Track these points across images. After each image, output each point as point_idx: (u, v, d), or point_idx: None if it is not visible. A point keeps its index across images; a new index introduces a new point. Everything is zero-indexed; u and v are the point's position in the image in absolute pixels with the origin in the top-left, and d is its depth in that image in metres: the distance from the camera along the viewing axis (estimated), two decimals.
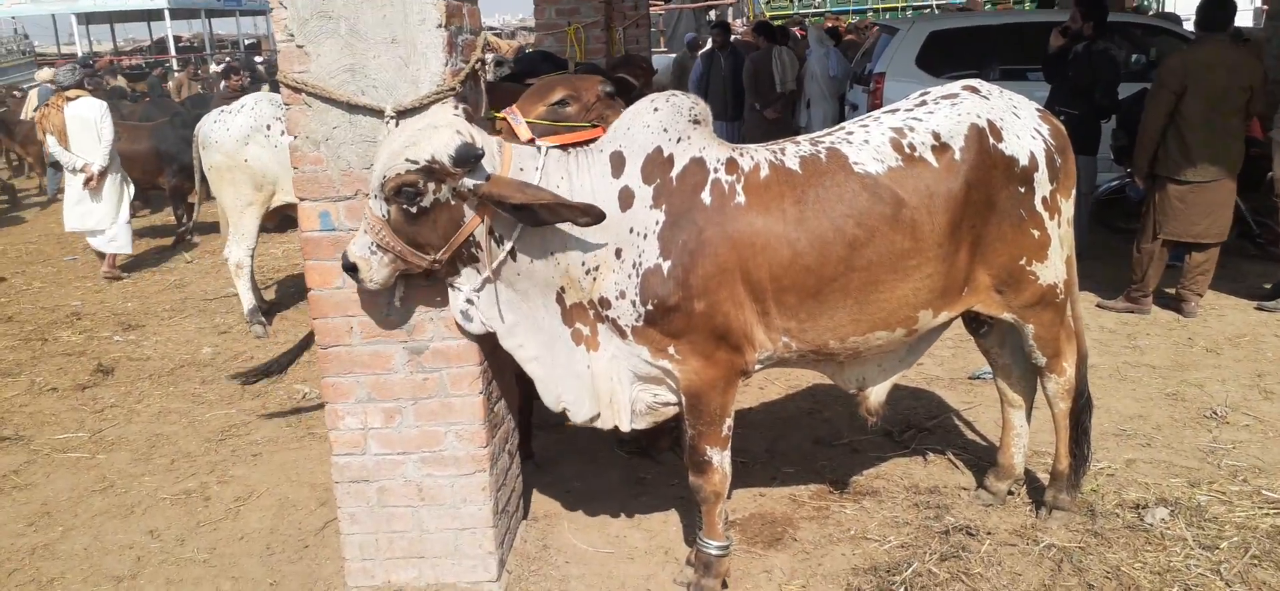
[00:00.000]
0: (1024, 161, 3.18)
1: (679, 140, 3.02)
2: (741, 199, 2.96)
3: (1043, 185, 3.22)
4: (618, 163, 3.01)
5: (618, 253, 2.97)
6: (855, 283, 3.03)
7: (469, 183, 2.83)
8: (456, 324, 3.11)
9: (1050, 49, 7.56)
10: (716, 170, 2.99)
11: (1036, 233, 3.23)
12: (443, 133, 2.80)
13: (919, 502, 3.90)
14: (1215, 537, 3.44)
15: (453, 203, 2.86)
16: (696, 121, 3.08)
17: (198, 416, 5.37)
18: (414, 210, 2.83)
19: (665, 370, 3.06)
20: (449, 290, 3.08)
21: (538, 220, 2.86)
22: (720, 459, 3.16)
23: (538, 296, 3.05)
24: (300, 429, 5.10)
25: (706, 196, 2.95)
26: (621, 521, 3.89)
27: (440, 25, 2.96)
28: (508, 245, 2.94)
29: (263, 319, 7.14)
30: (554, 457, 4.51)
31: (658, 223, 2.94)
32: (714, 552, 3.26)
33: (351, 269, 2.94)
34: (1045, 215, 3.24)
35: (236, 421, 5.25)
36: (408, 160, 2.77)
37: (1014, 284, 3.28)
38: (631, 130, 3.05)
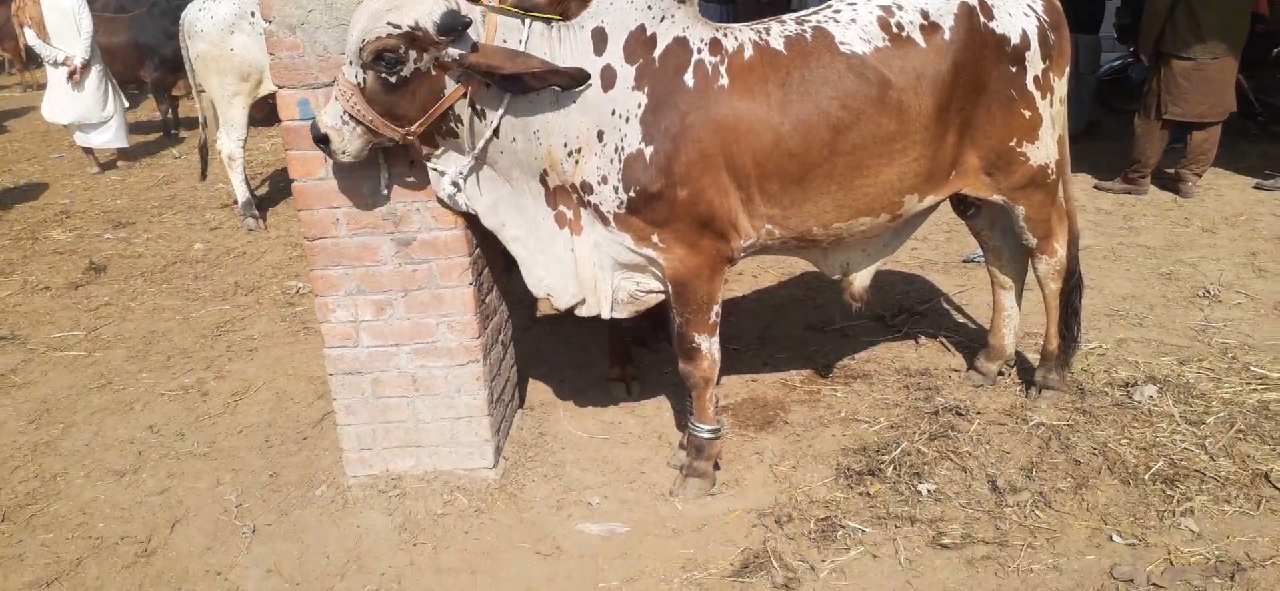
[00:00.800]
0: (1015, 40, 3.10)
1: (662, 19, 2.89)
2: (725, 82, 2.86)
3: (1034, 63, 3.15)
4: (599, 39, 2.86)
5: (599, 135, 2.87)
6: (840, 167, 2.97)
7: (454, 52, 2.70)
8: (440, 202, 3.04)
9: None
10: (700, 51, 2.88)
11: (1027, 113, 3.17)
12: (432, 2, 2.68)
13: (909, 384, 3.93)
14: (1202, 413, 3.47)
15: (433, 73, 2.73)
16: (681, 0, 2.96)
17: (192, 313, 5.38)
18: (393, 79, 2.70)
19: (649, 258, 3.01)
20: (430, 170, 3.00)
21: (526, 89, 2.75)
22: (708, 345, 3.15)
23: (520, 177, 2.97)
24: (294, 324, 5.11)
25: (690, 79, 2.85)
26: (616, 409, 3.92)
27: None
28: (492, 121, 2.83)
29: (256, 212, 7.11)
30: (548, 348, 4.53)
31: (640, 106, 2.84)
32: (705, 436, 3.27)
33: (322, 140, 2.81)
34: (1036, 95, 3.17)
35: (231, 317, 5.26)
36: (390, 24, 2.63)
37: (1004, 166, 3.23)
38: (614, 5, 2.89)
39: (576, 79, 2.74)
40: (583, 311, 3.18)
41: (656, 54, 2.86)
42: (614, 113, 2.85)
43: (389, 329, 3.25)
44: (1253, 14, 6.23)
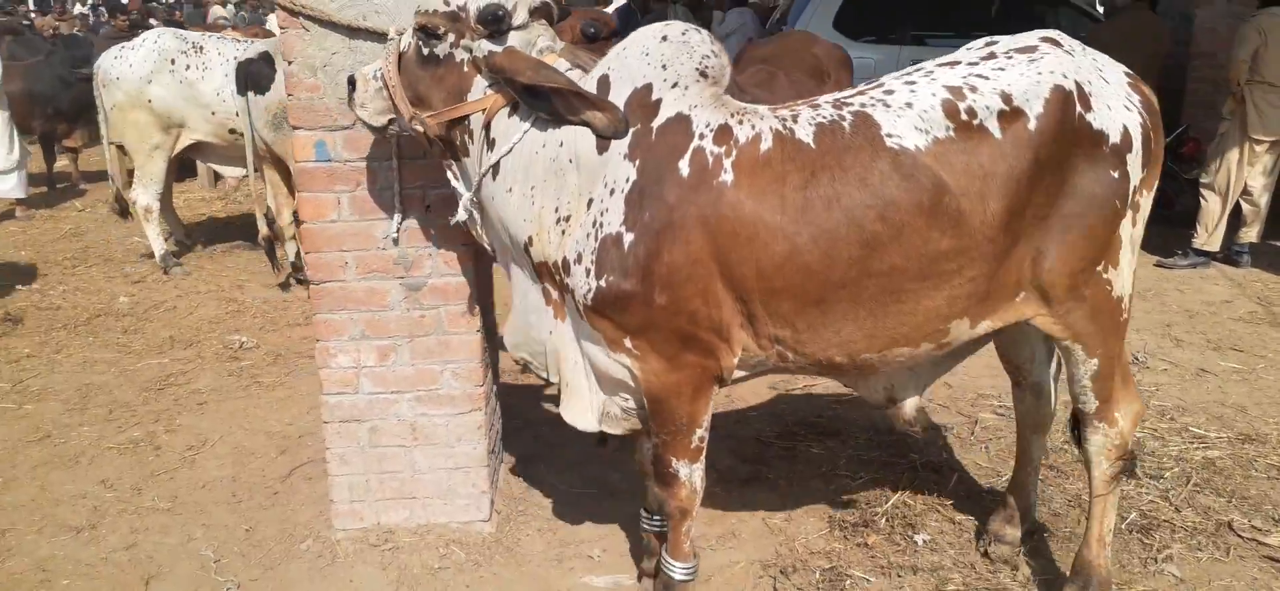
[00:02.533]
0: (1115, 138, 2.51)
1: (674, 85, 2.48)
2: (728, 176, 2.40)
3: (1136, 169, 2.56)
4: (603, 89, 2.52)
5: (589, 203, 2.49)
6: (870, 290, 2.46)
7: (485, 46, 2.53)
8: (463, 221, 2.77)
9: (993, 14, 8.10)
10: (702, 137, 2.43)
11: (1121, 229, 2.59)
12: None
13: (880, 442, 4.06)
14: (1157, 469, 3.72)
15: (465, 68, 2.57)
16: (704, 73, 2.51)
17: (128, 366, 5.11)
18: (427, 52, 2.57)
19: (624, 366, 2.60)
20: (455, 192, 2.74)
21: (548, 107, 2.47)
22: (688, 472, 2.71)
23: (508, 239, 2.67)
24: (244, 379, 4.92)
25: (684, 166, 2.41)
26: (599, 464, 3.92)
27: None
28: (497, 155, 2.56)
29: (178, 262, 6.88)
30: (519, 403, 4.50)
31: (627, 180, 2.43)
32: (678, 576, 2.86)
33: (351, 83, 2.70)
34: (1133, 207, 2.60)
35: (172, 371, 5.03)
36: (444, 1, 2.55)
37: (1086, 295, 2.59)
38: (627, 54, 2.54)
39: (613, 120, 2.42)
40: (565, 410, 2.80)
41: (655, 124, 2.45)
42: (604, 181, 2.47)
43: (392, 375, 3.20)
44: None
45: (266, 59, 5.96)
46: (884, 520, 3.39)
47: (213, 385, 4.84)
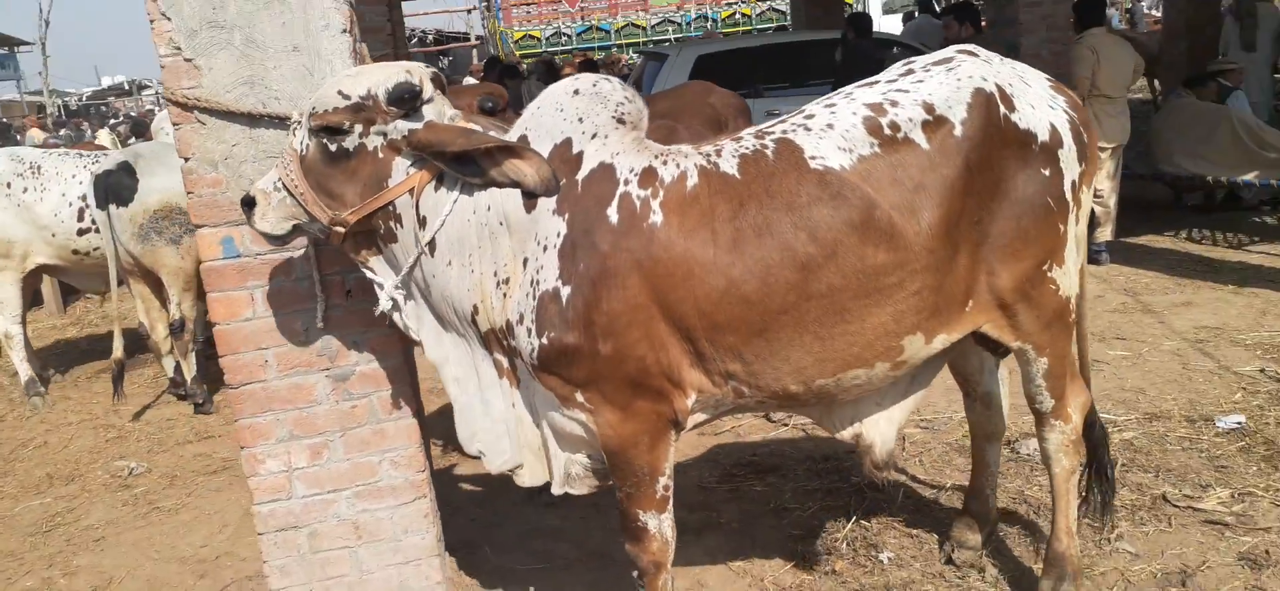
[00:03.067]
0: (1043, 136, 2.57)
1: (593, 136, 2.47)
2: (657, 217, 2.39)
3: (1071, 165, 2.61)
4: None
5: (524, 262, 2.46)
6: (812, 313, 2.44)
7: (403, 127, 2.43)
8: (387, 318, 2.66)
9: (838, 60, 8.44)
10: (627, 182, 2.42)
11: (1062, 227, 2.61)
12: (388, 70, 2.47)
13: (820, 470, 4.08)
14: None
15: (381, 154, 2.45)
16: (621, 120, 2.51)
17: (4, 512, 4.66)
18: (334, 148, 2.43)
19: (579, 422, 2.54)
20: (373, 283, 2.63)
21: (480, 176, 2.40)
22: (657, 524, 2.63)
23: (452, 316, 2.58)
24: (142, 506, 4.56)
25: (613, 213, 2.40)
26: (542, 537, 3.79)
27: (345, 30, 2.81)
28: (431, 231, 2.47)
29: (41, 390, 6.38)
30: (446, 492, 4.32)
31: (559, 234, 2.41)
32: None
33: (248, 203, 2.54)
34: (1072, 204, 2.63)
35: (57, 510, 4.61)
36: (340, 94, 2.41)
37: (1031, 295, 2.62)
38: (541, 112, 2.54)
39: (542, 175, 2.36)
40: (522, 479, 2.73)
41: (580, 176, 2.44)
42: (536, 238, 2.44)
43: (326, 474, 3.01)
44: None
45: (126, 169, 5.62)
46: (845, 544, 3.39)
47: (107, 518, 4.46)
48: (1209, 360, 4.84)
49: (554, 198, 2.43)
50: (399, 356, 3.00)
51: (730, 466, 4.24)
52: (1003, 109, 2.53)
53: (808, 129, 2.52)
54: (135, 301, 6.12)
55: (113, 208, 5.59)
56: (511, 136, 2.51)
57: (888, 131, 2.48)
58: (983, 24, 8.21)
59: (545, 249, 2.42)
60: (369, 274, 2.64)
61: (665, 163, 2.48)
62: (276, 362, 2.92)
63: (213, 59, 2.74)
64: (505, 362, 2.59)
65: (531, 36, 22.66)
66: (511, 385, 2.62)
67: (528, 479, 2.73)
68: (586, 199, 2.42)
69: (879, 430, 2.77)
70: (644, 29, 22.58)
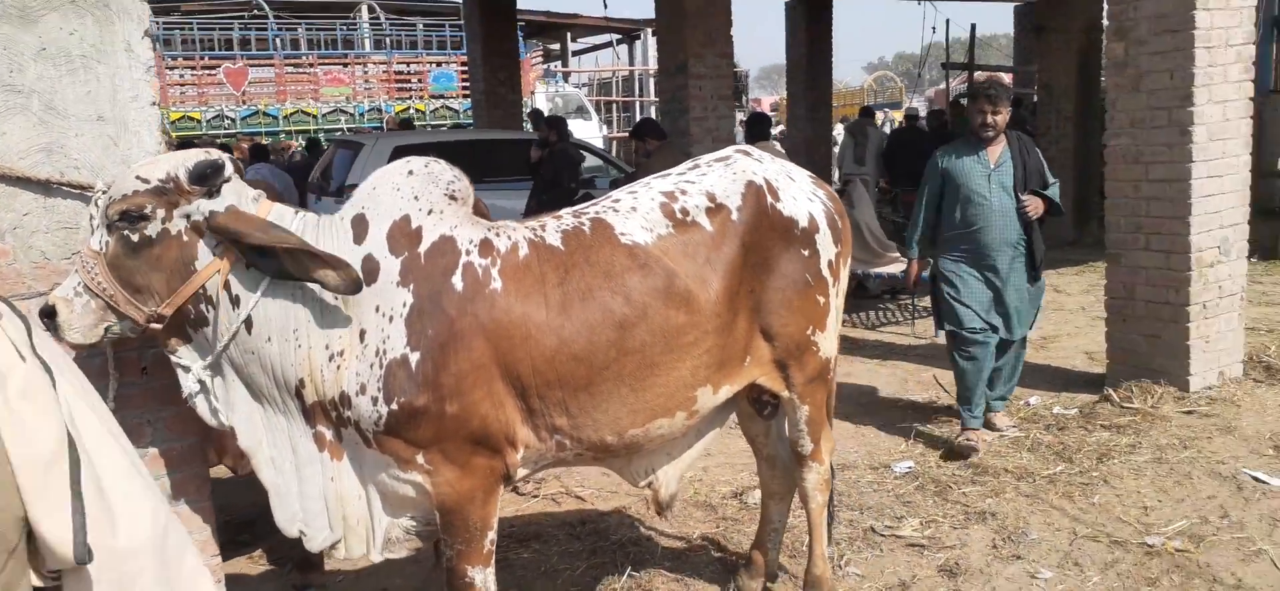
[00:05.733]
0: (804, 223, 3.07)
1: (429, 212, 2.69)
2: (497, 284, 2.66)
3: (826, 248, 3.12)
4: (360, 227, 2.65)
5: (361, 334, 2.59)
6: (629, 367, 2.79)
7: (205, 207, 2.48)
8: (192, 406, 2.66)
9: (532, 160, 9.09)
10: (469, 251, 2.67)
11: (821, 299, 3.11)
12: (185, 153, 2.52)
13: (579, 533, 4.39)
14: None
15: (185, 238, 2.49)
16: (453, 197, 2.76)
17: None
18: (136, 238, 2.44)
19: (415, 484, 2.68)
20: (176, 368, 2.62)
21: (281, 271, 2.50)
22: (484, 578, 2.80)
23: (272, 390, 2.62)
24: None
25: (458, 281, 2.62)
26: None
27: (154, 103, 2.81)
28: (245, 310, 2.52)
29: None
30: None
31: (405, 305, 2.59)
32: None
33: (50, 313, 2.43)
34: (830, 279, 3.14)
35: None
36: (139, 179, 2.44)
37: (798, 356, 3.11)
38: (377, 191, 2.72)
39: (341, 271, 2.48)
40: (339, 553, 2.77)
41: (423, 249, 2.64)
42: (377, 309, 2.59)
43: None
44: None
45: None
46: None
47: None
48: (875, 418, 5.83)
49: (397, 270, 2.61)
50: (195, 435, 2.92)
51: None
52: (770, 199, 3.04)
53: (616, 210, 2.93)
54: None
55: None
56: (347, 213, 2.71)
57: (679, 215, 2.93)
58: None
59: (391, 319, 2.59)
60: (174, 359, 2.62)
61: (498, 234, 2.77)
62: None
63: (6, 123, 2.59)
64: (328, 434, 2.67)
65: (191, 118, 21.22)
66: (333, 457, 2.69)
67: (344, 552, 2.78)
68: (431, 269, 2.62)
69: (668, 476, 3.18)
70: (314, 117, 22.01)
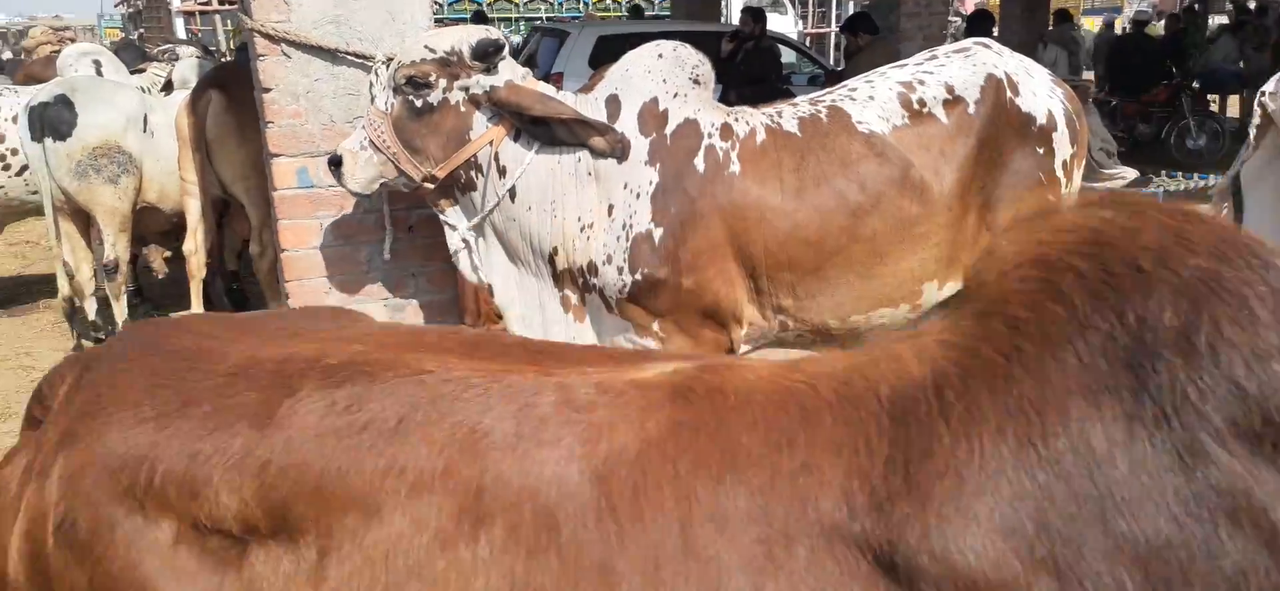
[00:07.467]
0: (1042, 119, 3.02)
1: (675, 95, 2.78)
2: (736, 168, 2.74)
3: (1063, 147, 3.05)
4: (613, 107, 2.76)
5: (610, 209, 2.74)
6: (858, 254, 2.83)
7: (485, 83, 2.64)
8: (454, 262, 2.88)
9: (722, 55, 8.77)
10: (711, 135, 2.76)
11: (1052, 199, 3.02)
12: (468, 28, 2.68)
13: None
14: None
15: (463, 108, 2.65)
16: (697, 81, 2.85)
17: None
18: (419, 104, 2.61)
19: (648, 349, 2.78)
20: (445, 226, 2.84)
21: (554, 140, 2.68)
22: None
23: (528, 254, 2.82)
24: None
25: (700, 162, 2.73)
26: None
27: None
28: (510, 180, 2.70)
29: None
30: None
31: (651, 183, 2.72)
32: None
33: (336, 162, 2.67)
34: (1063, 180, 3.07)
35: None
36: (427, 48, 2.61)
37: None
38: (630, 73, 2.82)
39: (612, 138, 2.67)
40: None
41: (669, 131, 2.75)
42: (626, 186, 2.73)
43: None
44: None
45: (64, 102, 5.41)
46: None
47: None
48: None
49: (645, 149, 2.73)
50: (452, 290, 3.21)
51: None
52: (1009, 93, 3.00)
53: (853, 98, 2.95)
54: (60, 240, 5.88)
55: (48, 141, 5.38)
56: (600, 93, 2.82)
57: (916, 106, 2.93)
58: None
59: (638, 195, 2.73)
60: (443, 218, 2.84)
61: (737, 119, 2.84)
62: (338, 290, 3.08)
63: None
64: (574, 298, 2.87)
65: None
66: (577, 319, 2.89)
67: None
68: (677, 150, 2.74)
69: None
70: (516, 5, 22.52)
